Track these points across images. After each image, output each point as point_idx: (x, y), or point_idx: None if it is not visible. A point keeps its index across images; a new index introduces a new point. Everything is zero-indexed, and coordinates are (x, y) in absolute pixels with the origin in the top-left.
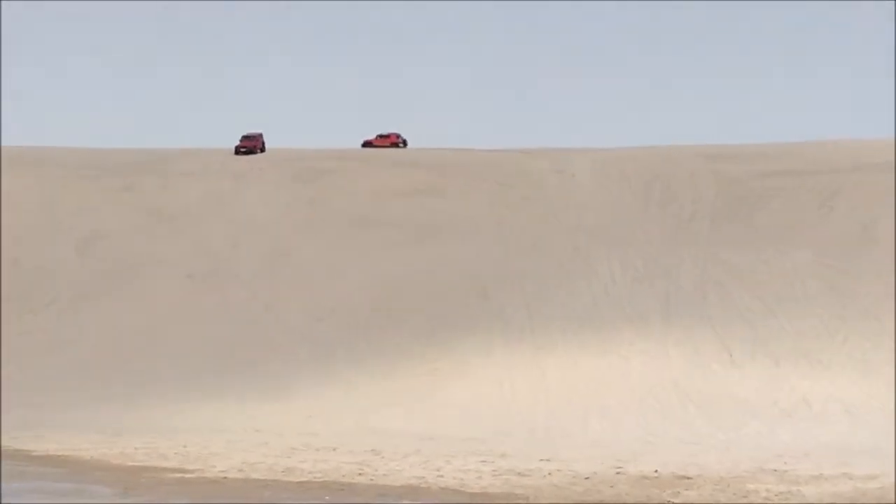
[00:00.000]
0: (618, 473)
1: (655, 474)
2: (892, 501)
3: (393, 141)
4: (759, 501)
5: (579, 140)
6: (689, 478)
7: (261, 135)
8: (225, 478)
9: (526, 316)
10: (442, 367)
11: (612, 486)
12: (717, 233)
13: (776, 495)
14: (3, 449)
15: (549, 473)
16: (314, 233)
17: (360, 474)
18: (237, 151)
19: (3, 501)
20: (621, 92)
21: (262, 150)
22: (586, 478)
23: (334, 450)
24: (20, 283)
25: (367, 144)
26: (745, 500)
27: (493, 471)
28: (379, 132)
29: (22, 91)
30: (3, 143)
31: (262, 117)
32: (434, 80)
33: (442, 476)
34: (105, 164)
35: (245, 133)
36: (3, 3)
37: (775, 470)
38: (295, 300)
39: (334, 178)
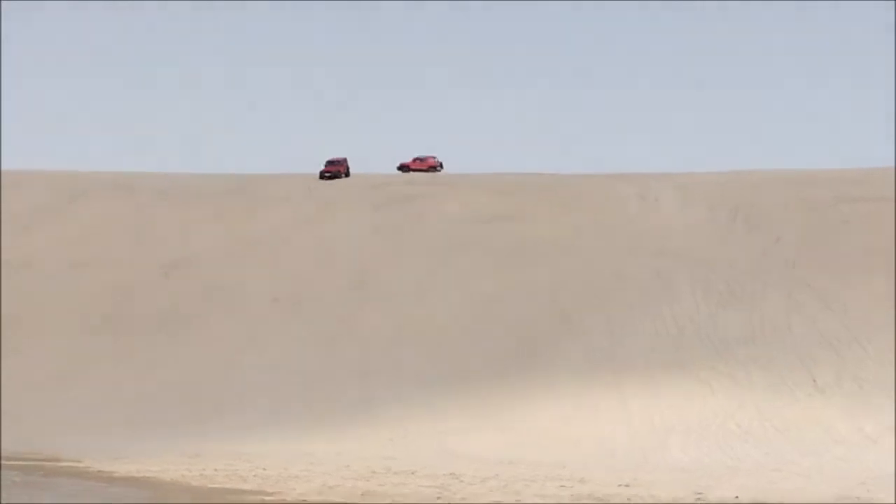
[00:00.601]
0: (698, 499)
1: (736, 500)
2: None
3: (430, 164)
4: None
5: (662, 165)
6: None
7: (345, 160)
8: (304, 501)
9: (608, 340)
10: (523, 392)
11: None
12: (802, 258)
13: None
14: (86, 470)
15: (629, 499)
16: (398, 258)
17: (438, 498)
18: (322, 176)
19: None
20: (705, 117)
21: (347, 174)
22: (667, 503)
23: (413, 473)
24: (110, 307)
25: (403, 168)
26: None
27: (572, 495)
28: (416, 155)
29: (112, 117)
30: (96, 168)
31: (343, 142)
32: (511, 103)
33: (521, 500)
34: (193, 189)
35: (330, 158)
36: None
37: (858, 498)
38: (378, 324)
39: (418, 204)
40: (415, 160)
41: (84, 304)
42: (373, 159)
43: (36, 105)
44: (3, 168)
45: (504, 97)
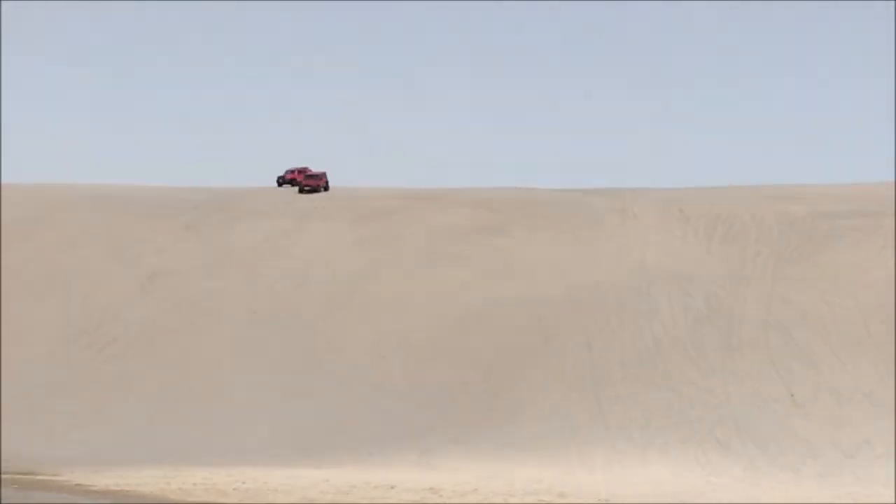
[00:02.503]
0: None
1: None
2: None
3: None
4: None
5: (640, 180)
6: None
7: (324, 174)
8: None
9: (587, 355)
10: (503, 406)
11: None
12: (781, 273)
13: None
14: (64, 483)
15: None
16: (377, 271)
17: None
18: (301, 190)
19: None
20: (682, 132)
21: (326, 188)
22: None
23: (393, 488)
24: (88, 320)
25: (282, 180)
26: None
27: None
28: (290, 167)
29: (89, 131)
30: (73, 182)
31: (319, 155)
32: (489, 117)
33: None
34: (170, 202)
35: (309, 172)
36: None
37: None
38: (358, 337)
39: (398, 218)
40: (300, 172)
41: (61, 316)
42: (351, 173)
43: (12, 117)
44: None
45: (482, 111)
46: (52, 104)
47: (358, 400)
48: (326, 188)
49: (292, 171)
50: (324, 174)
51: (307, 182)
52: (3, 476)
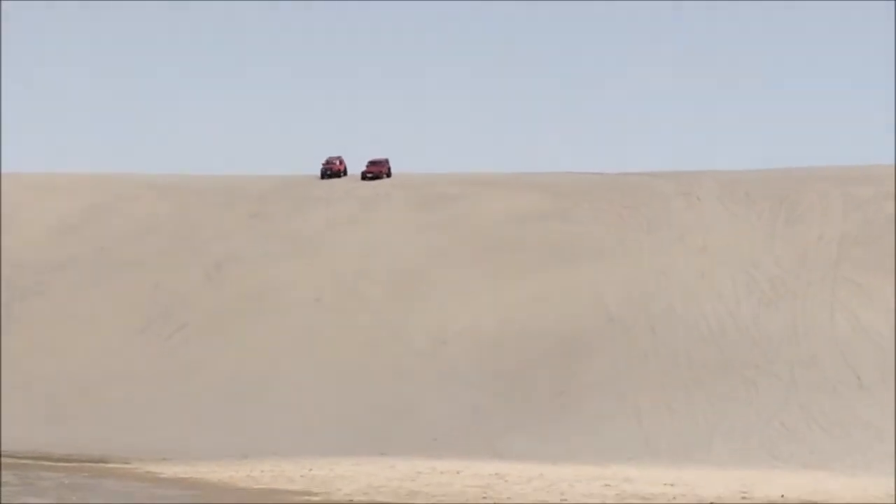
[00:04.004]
0: (743, 498)
1: (782, 498)
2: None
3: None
4: None
5: (704, 163)
6: (816, 503)
7: (387, 160)
8: (350, 501)
9: (651, 339)
10: (567, 391)
11: None
12: (846, 255)
13: None
14: (133, 471)
15: (674, 497)
16: (441, 257)
17: (484, 498)
18: (364, 177)
19: (2, 501)
20: (748, 114)
21: (389, 175)
22: (711, 502)
23: (458, 473)
24: (155, 308)
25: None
26: None
27: (617, 494)
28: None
29: (151, 120)
30: (146, 170)
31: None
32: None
33: (566, 500)
34: (236, 191)
35: (371, 158)
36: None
37: None
38: (421, 324)
39: (461, 203)
40: (340, 162)
41: (129, 305)
42: (414, 160)
43: (78, 107)
44: (47, 170)
45: (542, 95)
46: (116, 93)
47: (422, 386)
48: (389, 174)
49: (331, 162)
50: (386, 160)
51: (370, 169)
52: (74, 464)
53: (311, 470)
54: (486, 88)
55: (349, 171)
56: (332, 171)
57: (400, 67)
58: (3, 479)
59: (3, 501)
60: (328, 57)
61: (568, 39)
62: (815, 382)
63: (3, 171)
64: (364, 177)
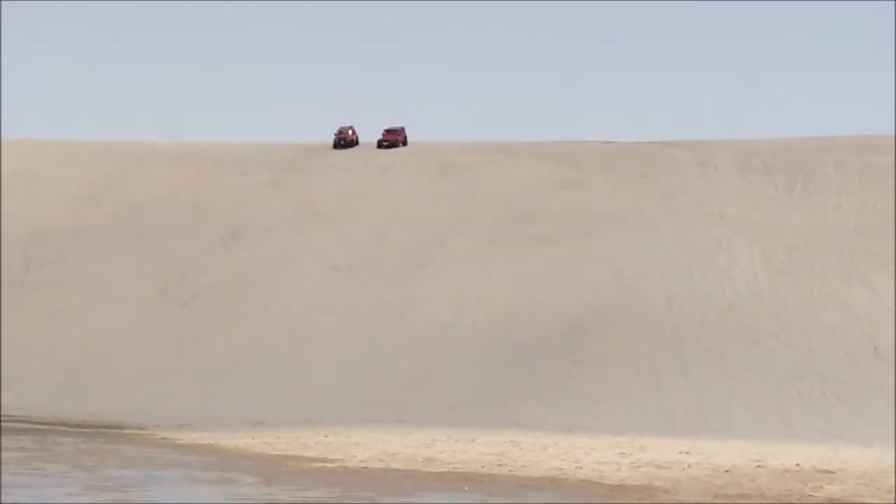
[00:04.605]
0: (758, 466)
1: (797, 468)
2: None
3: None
4: None
5: (721, 131)
6: (831, 472)
7: (403, 128)
8: (366, 467)
9: (668, 308)
10: (583, 359)
11: (752, 480)
12: (863, 225)
13: None
14: (149, 437)
15: (689, 466)
16: (458, 226)
17: (499, 465)
18: (380, 145)
19: (3, 501)
20: (762, 83)
21: (405, 143)
22: (726, 471)
23: (474, 440)
24: (172, 276)
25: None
26: (889, 496)
27: (632, 463)
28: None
29: (168, 88)
30: (161, 138)
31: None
32: (561, 69)
33: (581, 468)
34: (253, 158)
35: (388, 127)
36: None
37: None
38: (438, 292)
39: (478, 172)
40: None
41: (145, 272)
42: (430, 128)
43: (99, 75)
44: (64, 138)
45: (555, 63)
46: (132, 61)
47: (439, 355)
48: (405, 143)
49: (343, 132)
50: (402, 129)
51: (386, 137)
52: (91, 430)
53: (326, 437)
54: (504, 56)
55: (360, 141)
56: (346, 140)
57: (417, 35)
58: (22, 444)
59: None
60: (344, 23)
61: (585, 6)
62: (831, 352)
63: (22, 138)
64: (380, 145)
